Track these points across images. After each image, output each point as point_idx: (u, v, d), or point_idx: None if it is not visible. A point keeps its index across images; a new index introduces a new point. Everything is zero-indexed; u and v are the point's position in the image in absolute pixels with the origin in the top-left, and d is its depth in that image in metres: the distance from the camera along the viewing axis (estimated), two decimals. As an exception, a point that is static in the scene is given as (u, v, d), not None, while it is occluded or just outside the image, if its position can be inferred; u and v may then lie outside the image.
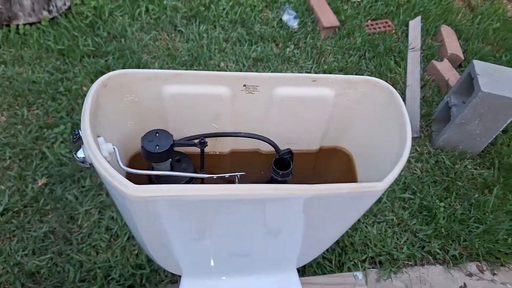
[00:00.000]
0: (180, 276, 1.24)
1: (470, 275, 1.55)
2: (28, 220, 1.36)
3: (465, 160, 1.84)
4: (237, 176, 0.57)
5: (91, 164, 0.49)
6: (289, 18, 2.31)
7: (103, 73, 1.85)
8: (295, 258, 0.71)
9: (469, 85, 1.74)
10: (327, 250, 1.46)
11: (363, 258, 1.47)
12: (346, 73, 2.12)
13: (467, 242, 1.58)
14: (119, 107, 0.56)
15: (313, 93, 0.60)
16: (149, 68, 1.90)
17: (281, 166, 0.64)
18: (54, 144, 1.58)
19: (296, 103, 0.61)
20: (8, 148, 1.53)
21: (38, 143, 1.58)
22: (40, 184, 1.45)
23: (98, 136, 0.47)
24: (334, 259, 1.44)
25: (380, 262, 1.49)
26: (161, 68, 1.91)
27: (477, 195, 1.72)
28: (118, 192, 0.43)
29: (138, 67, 1.95)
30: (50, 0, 1.99)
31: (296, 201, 0.48)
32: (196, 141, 0.60)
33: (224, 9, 2.30)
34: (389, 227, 1.57)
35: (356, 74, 2.13)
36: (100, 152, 0.44)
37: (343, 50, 2.23)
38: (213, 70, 1.99)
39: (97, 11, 2.13)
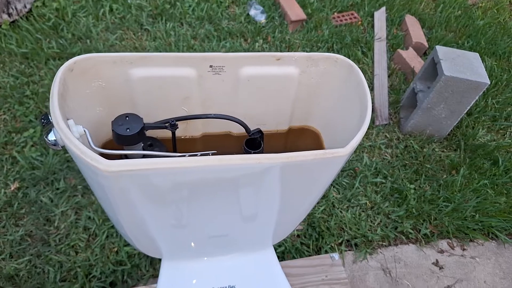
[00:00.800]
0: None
1: (441, 251, 1.62)
2: (3, 225, 1.33)
3: (433, 143, 1.93)
4: (209, 154, 0.59)
5: (62, 147, 0.50)
6: (256, 13, 2.34)
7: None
8: (270, 234, 0.74)
9: (433, 70, 1.82)
10: (304, 236, 1.50)
11: (339, 241, 1.52)
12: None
13: (437, 221, 1.65)
14: (87, 92, 0.57)
15: (278, 71, 0.62)
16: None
17: (252, 146, 0.66)
18: (24, 148, 1.55)
19: (263, 82, 0.63)
20: (-24, 154, 1.49)
21: (8, 148, 1.54)
22: (12, 188, 1.43)
23: (68, 119, 0.48)
24: (311, 243, 1.48)
25: (355, 245, 1.54)
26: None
27: (445, 176, 1.80)
28: (91, 169, 0.44)
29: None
30: (9, 3, 1.94)
31: (267, 171, 0.50)
32: (166, 124, 0.62)
33: (190, 6, 2.31)
34: (362, 211, 1.62)
35: (325, 66, 2.18)
36: (71, 132, 0.45)
37: (311, 43, 2.28)
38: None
39: (59, 12, 2.10)
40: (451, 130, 1.97)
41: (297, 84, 0.65)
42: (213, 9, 2.32)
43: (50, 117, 0.51)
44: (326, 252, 1.47)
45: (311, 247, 1.47)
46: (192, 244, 0.71)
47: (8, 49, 1.87)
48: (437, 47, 1.80)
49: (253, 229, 0.73)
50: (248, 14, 2.37)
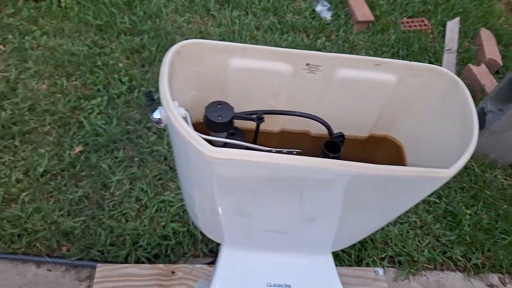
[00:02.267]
0: (200, 250, 1.27)
1: (491, 286, 1.54)
2: (65, 184, 1.41)
3: (496, 169, 1.82)
4: (294, 153, 0.59)
5: (165, 125, 0.52)
6: (322, 10, 2.30)
7: (138, 52, 1.89)
8: (331, 241, 0.73)
9: (508, 92, 1.71)
10: (348, 243, 1.47)
11: (383, 256, 1.48)
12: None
13: (491, 252, 1.56)
14: (187, 76, 0.58)
15: (374, 77, 0.61)
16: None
17: (331, 149, 0.65)
18: (91, 114, 1.62)
19: (356, 86, 0.62)
20: (48, 115, 1.59)
21: (76, 112, 1.63)
22: (76, 151, 1.50)
23: (173, 101, 0.50)
24: (353, 253, 1.45)
25: (399, 262, 1.49)
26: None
27: (505, 206, 1.70)
28: (194, 152, 0.45)
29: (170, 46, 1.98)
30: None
31: (353, 179, 0.49)
32: (254, 116, 0.62)
33: (257, -4, 2.31)
34: (411, 229, 1.57)
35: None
36: (178, 114, 0.47)
37: (375, 46, 2.21)
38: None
39: (134, -11, 2.17)
40: (518, 158, 1.85)
41: (392, 92, 0.63)
42: (279, 1, 2.30)
43: (153, 96, 0.52)
44: (367, 264, 1.43)
45: (352, 256, 1.44)
46: (252, 236, 0.72)
47: (85, 20, 1.96)
48: (517, 68, 1.69)
49: (315, 233, 0.72)
50: (313, 10, 2.33)
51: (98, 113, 1.63)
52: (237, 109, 0.62)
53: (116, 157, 1.52)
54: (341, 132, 0.66)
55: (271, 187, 0.54)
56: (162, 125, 0.52)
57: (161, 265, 1.17)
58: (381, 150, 0.67)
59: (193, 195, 0.63)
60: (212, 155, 0.44)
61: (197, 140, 0.44)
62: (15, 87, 1.65)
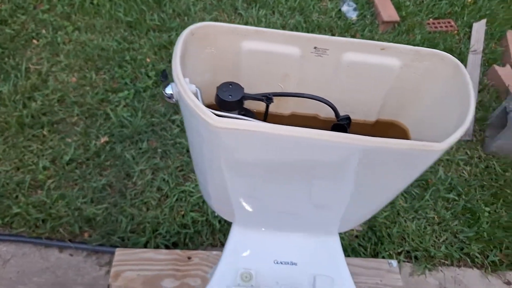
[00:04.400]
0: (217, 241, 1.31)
1: (508, 283, 1.51)
2: (89, 172, 1.48)
3: (518, 169, 1.78)
4: None
5: (176, 101, 0.56)
6: (348, 9, 2.31)
7: (166, 48, 1.96)
8: (338, 222, 0.75)
9: (532, 91, 1.67)
10: (363, 238, 1.48)
11: (399, 250, 1.48)
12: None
13: (509, 250, 1.54)
14: (201, 57, 0.62)
15: (380, 61, 0.63)
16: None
17: (337, 131, 0.68)
18: (117, 107, 1.70)
19: (362, 70, 0.64)
20: (76, 106, 1.67)
21: (103, 104, 1.70)
22: (102, 141, 1.58)
23: (184, 78, 0.54)
24: (369, 247, 1.45)
25: (415, 257, 1.49)
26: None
27: (526, 206, 1.66)
28: (201, 122, 0.49)
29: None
30: (123, -26, 2.11)
31: (354, 153, 0.52)
32: (264, 97, 0.65)
33: (284, -5, 2.35)
34: (429, 225, 1.55)
35: (411, 71, 2.10)
36: (188, 88, 0.50)
37: (400, 46, 2.20)
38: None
39: (164, -12, 2.24)
40: (542, 159, 1.80)
41: (396, 76, 0.65)
42: (305, 1, 2.33)
43: (167, 74, 0.56)
44: (383, 258, 1.43)
45: (368, 250, 1.45)
46: (263, 216, 0.75)
47: (116, 16, 2.05)
48: (543, 66, 1.65)
49: (322, 214, 0.74)
50: (339, 10, 2.35)
51: (124, 106, 1.71)
52: (248, 91, 0.65)
53: (140, 148, 1.58)
54: (347, 115, 0.69)
55: (278, 163, 0.57)
56: (173, 100, 0.56)
57: (178, 251, 1.22)
58: (388, 135, 0.68)
59: (204, 173, 0.67)
60: (218, 124, 0.48)
61: (203, 111, 0.48)
62: (46, 79, 1.75)
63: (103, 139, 1.59)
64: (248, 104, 0.71)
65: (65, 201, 1.39)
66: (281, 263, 0.77)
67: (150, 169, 1.53)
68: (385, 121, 0.73)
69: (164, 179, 1.50)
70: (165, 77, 0.57)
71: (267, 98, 0.65)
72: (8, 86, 1.68)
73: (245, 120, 0.48)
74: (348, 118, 0.69)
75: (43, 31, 1.96)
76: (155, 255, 1.18)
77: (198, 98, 0.56)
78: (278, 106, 0.72)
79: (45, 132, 1.57)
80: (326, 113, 0.72)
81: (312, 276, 0.75)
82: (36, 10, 2.06)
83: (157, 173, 1.52)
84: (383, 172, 0.57)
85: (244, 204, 0.72)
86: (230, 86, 0.63)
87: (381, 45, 0.61)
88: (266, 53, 0.62)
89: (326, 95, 0.68)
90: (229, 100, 0.61)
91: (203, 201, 1.46)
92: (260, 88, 0.68)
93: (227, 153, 0.55)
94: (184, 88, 0.50)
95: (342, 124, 0.69)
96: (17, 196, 1.38)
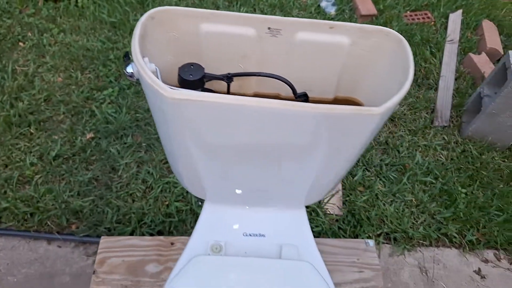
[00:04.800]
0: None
1: (486, 261, 1.56)
2: (76, 167, 1.53)
3: (494, 152, 1.84)
4: None
5: (137, 80, 0.61)
6: (327, 5, 2.37)
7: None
8: (304, 195, 0.80)
9: (503, 75, 1.73)
10: (343, 221, 1.53)
11: (378, 233, 1.53)
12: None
13: (486, 229, 1.59)
14: (163, 41, 0.67)
15: (330, 39, 0.68)
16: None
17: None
18: (102, 104, 1.74)
19: (314, 48, 0.69)
20: (62, 105, 1.71)
21: (89, 102, 1.75)
22: (88, 137, 1.62)
23: (144, 57, 0.58)
24: (349, 229, 1.50)
25: (395, 239, 1.54)
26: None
27: (501, 186, 1.72)
28: (158, 96, 0.54)
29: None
30: (106, -24, 2.16)
31: (301, 120, 0.56)
32: (224, 77, 0.70)
33: (265, -7, 2.40)
34: (407, 207, 1.61)
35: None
36: (146, 65, 0.55)
37: (379, 38, 2.26)
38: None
39: (147, -11, 2.29)
40: (517, 141, 1.86)
41: (347, 54, 0.70)
42: (285, -2, 2.39)
43: (130, 55, 0.61)
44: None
45: (347, 232, 1.50)
46: (232, 190, 0.80)
47: (100, 18, 2.10)
48: (510, 52, 1.71)
49: (288, 188, 0.79)
50: (319, 5, 2.41)
51: (109, 103, 1.75)
52: (211, 72, 0.70)
53: (125, 143, 1.63)
54: (304, 92, 0.74)
55: (234, 135, 0.62)
56: (134, 78, 0.61)
57: (161, 237, 1.26)
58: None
59: (172, 151, 0.71)
60: (173, 95, 0.52)
61: (159, 84, 0.53)
62: (32, 80, 1.79)
63: (89, 135, 1.63)
64: (212, 85, 0.76)
65: (53, 195, 1.43)
66: (250, 235, 0.82)
67: (135, 162, 1.57)
68: (342, 98, 0.78)
69: (148, 172, 1.54)
70: (128, 58, 0.62)
71: (228, 78, 0.70)
72: (-5, 87, 1.72)
73: (198, 92, 0.53)
74: (305, 95, 0.74)
75: (29, 34, 2.01)
76: (139, 241, 1.23)
77: (157, 77, 0.60)
78: (241, 87, 0.77)
79: (32, 130, 1.61)
80: (287, 92, 0.77)
81: (279, 246, 0.80)
82: (21, 14, 2.10)
83: (142, 166, 1.56)
84: (335, 138, 0.62)
85: (212, 180, 0.77)
86: (192, 66, 0.68)
87: (329, 23, 0.66)
88: (224, 34, 0.67)
89: (284, 74, 0.73)
90: (190, 79, 0.66)
91: (187, 192, 1.51)
92: (222, 70, 0.73)
93: (187, 127, 0.60)
94: (142, 65, 0.55)
95: (299, 101, 0.74)
96: (5, 192, 1.42)
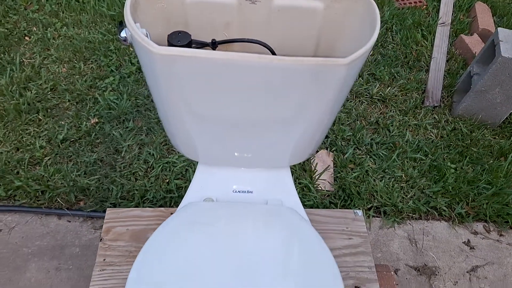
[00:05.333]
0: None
1: (475, 233, 1.62)
2: (82, 149, 1.62)
3: (484, 129, 1.89)
4: None
5: (130, 43, 0.69)
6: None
7: (149, 37, 2.10)
8: (287, 156, 0.88)
9: (492, 52, 1.78)
10: (334, 196, 1.60)
11: (368, 206, 1.60)
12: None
13: (475, 203, 1.65)
14: (152, 12, 0.74)
15: (305, 4, 0.75)
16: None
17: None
18: (104, 92, 1.83)
19: (292, 13, 0.76)
20: (67, 93, 1.80)
21: (92, 90, 1.84)
22: (92, 122, 1.71)
23: (136, 23, 0.66)
24: (339, 203, 1.58)
25: (384, 212, 1.61)
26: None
27: (491, 161, 1.77)
28: (148, 54, 0.61)
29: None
30: (107, -29, 2.25)
31: (272, 73, 0.64)
32: (209, 42, 0.78)
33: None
34: (396, 183, 1.67)
35: (381, 46, 2.22)
36: (137, 29, 0.63)
37: (372, 24, 2.32)
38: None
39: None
40: (506, 118, 1.92)
41: (322, 18, 0.77)
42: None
43: (124, 23, 0.69)
44: (353, 211, 1.55)
45: (338, 206, 1.57)
46: (221, 153, 0.87)
47: (100, 11, 2.19)
48: (499, 29, 1.76)
49: (271, 149, 0.87)
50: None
51: (111, 90, 1.84)
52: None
53: (127, 127, 1.72)
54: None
55: (220, 89, 0.69)
56: (128, 43, 0.68)
57: (162, 208, 1.34)
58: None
59: (166, 113, 0.79)
60: (161, 52, 0.60)
61: (148, 42, 0.61)
62: (39, 71, 1.88)
63: (93, 120, 1.72)
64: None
65: (61, 174, 1.52)
66: (239, 191, 0.89)
67: (137, 144, 1.66)
68: (321, 61, 0.85)
69: (149, 153, 1.63)
70: (122, 25, 0.70)
71: (213, 44, 0.78)
72: (5, 78, 1.82)
73: (185, 48, 0.61)
74: (284, 58, 0.81)
75: (34, 28, 2.10)
76: (141, 212, 1.31)
77: (148, 38, 0.68)
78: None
79: (40, 117, 1.71)
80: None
81: (265, 200, 0.87)
82: (26, 10, 2.19)
83: (143, 148, 1.65)
84: (306, 92, 0.69)
85: (202, 141, 0.85)
86: (179, 34, 0.75)
87: (304, -10, 0.74)
88: (207, 3, 0.75)
89: (265, 39, 0.80)
90: (178, 45, 0.74)
91: (186, 170, 1.59)
92: (208, 38, 0.81)
93: (176, 85, 0.68)
94: (133, 27, 0.63)
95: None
96: (18, 172, 1.52)
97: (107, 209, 1.33)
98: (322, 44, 0.82)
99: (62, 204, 1.47)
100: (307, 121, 0.77)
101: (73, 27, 2.12)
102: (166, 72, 0.65)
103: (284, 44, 0.81)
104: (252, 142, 0.84)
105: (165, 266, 0.77)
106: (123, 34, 0.68)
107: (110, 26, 2.14)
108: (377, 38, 2.21)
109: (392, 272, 1.34)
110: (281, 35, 0.80)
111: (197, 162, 0.93)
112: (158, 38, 0.78)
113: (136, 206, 1.48)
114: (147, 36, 0.68)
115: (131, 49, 2.02)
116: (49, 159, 1.57)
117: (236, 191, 0.90)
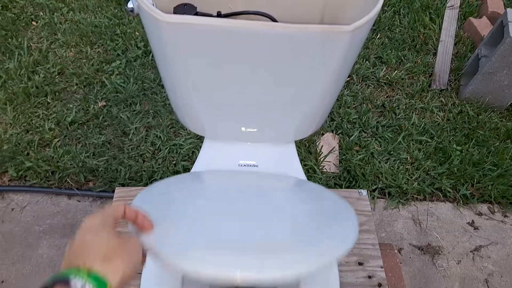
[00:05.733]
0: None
1: (479, 214, 1.63)
2: (90, 131, 1.64)
3: (491, 112, 1.88)
4: None
5: (137, 14, 0.70)
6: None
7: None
8: (292, 131, 0.89)
9: (500, 34, 1.76)
10: (339, 178, 1.61)
11: (373, 188, 1.61)
12: (378, 28, 2.20)
13: (480, 184, 1.65)
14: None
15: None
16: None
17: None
18: (111, 75, 1.85)
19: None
20: (75, 77, 1.83)
21: (99, 74, 1.86)
22: (100, 105, 1.73)
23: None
24: (344, 184, 1.59)
25: (389, 193, 1.61)
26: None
27: (497, 144, 1.77)
28: (154, 22, 0.63)
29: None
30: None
31: (279, 40, 0.64)
32: (215, 15, 0.79)
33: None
34: (401, 164, 1.68)
35: (388, 29, 2.20)
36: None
37: (379, 7, 2.30)
38: None
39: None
40: (514, 101, 1.91)
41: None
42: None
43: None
44: (358, 193, 1.57)
45: (343, 187, 1.58)
46: (227, 127, 0.89)
47: (106, -4, 2.20)
48: (509, 9, 1.74)
49: (278, 122, 0.88)
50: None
51: (117, 74, 1.85)
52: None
53: (134, 110, 1.74)
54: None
55: (227, 58, 0.70)
56: (135, 14, 0.70)
57: (169, 188, 1.37)
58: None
59: (171, 83, 0.80)
60: (166, 19, 0.61)
61: (155, 11, 0.62)
62: (46, 55, 1.90)
63: (101, 103, 1.74)
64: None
65: (70, 155, 1.55)
66: (244, 165, 0.91)
67: (144, 127, 1.68)
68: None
69: (156, 135, 1.65)
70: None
71: (218, 15, 0.79)
72: (14, 62, 1.84)
73: (190, 16, 0.62)
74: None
75: (41, 13, 2.12)
76: (148, 192, 1.33)
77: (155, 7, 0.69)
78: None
79: (49, 100, 1.73)
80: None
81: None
82: (34, -5, 2.21)
83: (150, 130, 1.67)
84: (311, 60, 0.69)
85: (208, 113, 0.86)
86: (185, 6, 0.77)
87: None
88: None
89: (269, 11, 0.81)
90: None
91: (193, 152, 1.61)
92: (213, 10, 0.82)
93: (183, 54, 0.69)
94: (140, -1, 0.64)
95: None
96: (28, 153, 1.55)
97: (117, 188, 1.36)
98: (327, 15, 0.83)
99: (71, 185, 1.50)
100: (312, 93, 0.78)
101: (80, 12, 2.13)
102: (172, 41, 0.66)
103: (290, 16, 0.82)
104: (258, 115, 0.85)
105: (172, 193, 0.81)
106: (129, 4, 0.69)
107: (116, 10, 2.15)
108: (385, 22, 2.20)
109: (395, 251, 1.36)
110: (287, 6, 0.81)
111: (204, 139, 0.94)
112: (164, 10, 0.79)
113: (144, 187, 1.50)
114: (154, 5, 0.69)
115: (137, 33, 2.03)
116: (58, 141, 1.60)
117: (241, 165, 0.91)
